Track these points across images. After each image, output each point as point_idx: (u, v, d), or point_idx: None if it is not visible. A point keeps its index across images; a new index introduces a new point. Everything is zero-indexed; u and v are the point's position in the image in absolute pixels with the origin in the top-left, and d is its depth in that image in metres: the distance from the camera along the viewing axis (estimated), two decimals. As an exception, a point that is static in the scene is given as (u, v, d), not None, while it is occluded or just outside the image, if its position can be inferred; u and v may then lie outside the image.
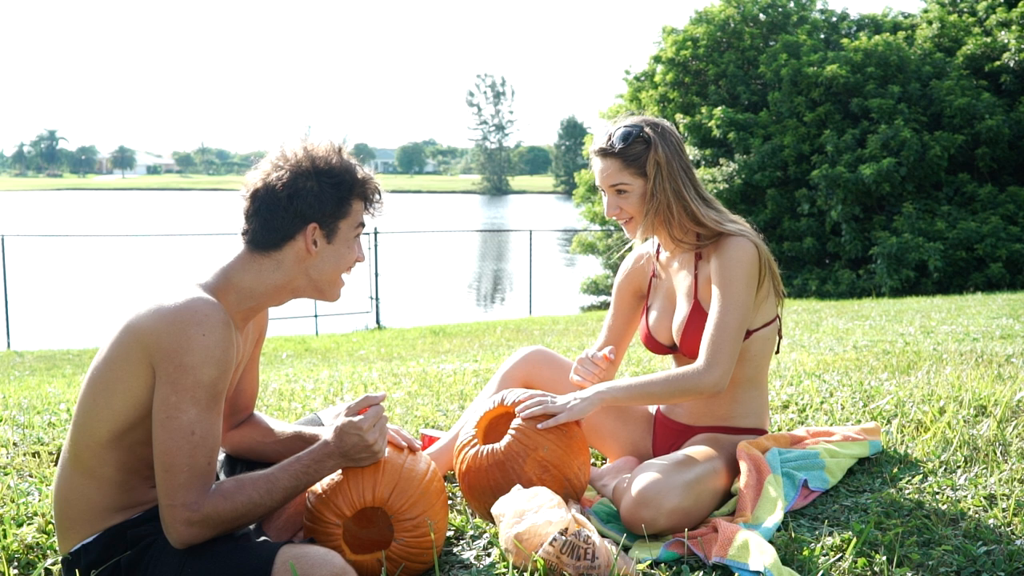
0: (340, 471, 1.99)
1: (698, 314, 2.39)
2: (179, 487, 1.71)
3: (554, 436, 2.23)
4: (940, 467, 2.43)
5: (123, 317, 1.82)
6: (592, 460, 2.83)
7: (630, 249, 2.66)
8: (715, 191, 17.38)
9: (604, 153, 2.38)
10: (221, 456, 2.20)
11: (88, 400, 1.81)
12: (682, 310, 2.43)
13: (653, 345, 2.55)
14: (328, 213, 1.89)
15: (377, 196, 1.99)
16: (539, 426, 2.22)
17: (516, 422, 2.25)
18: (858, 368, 4.11)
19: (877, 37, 18.06)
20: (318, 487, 1.99)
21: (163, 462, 1.71)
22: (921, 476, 2.35)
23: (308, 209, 1.86)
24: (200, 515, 1.71)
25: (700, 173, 18.00)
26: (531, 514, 1.93)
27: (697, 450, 2.30)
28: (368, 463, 1.93)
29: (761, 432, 2.48)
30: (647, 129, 2.36)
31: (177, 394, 1.70)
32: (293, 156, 1.87)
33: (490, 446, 2.23)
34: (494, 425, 2.41)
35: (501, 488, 2.15)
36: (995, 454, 2.47)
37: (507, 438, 2.22)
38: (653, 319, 2.55)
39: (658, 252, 2.58)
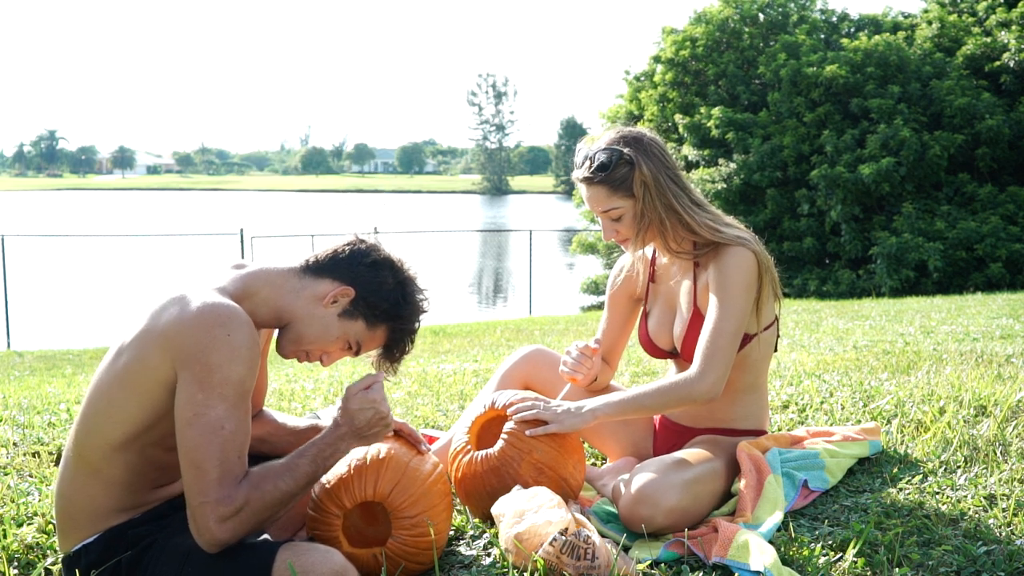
0: (347, 465, 1.99)
1: (698, 321, 2.38)
2: (211, 483, 1.68)
3: (547, 437, 2.22)
4: (940, 467, 2.42)
5: (139, 319, 1.82)
6: (592, 460, 2.83)
7: (622, 251, 2.63)
8: (714, 191, 17.38)
9: (589, 181, 2.33)
10: None
11: (101, 401, 1.80)
12: (683, 317, 2.42)
13: (652, 349, 2.54)
14: (368, 301, 1.93)
15: (396, 352, 2.02)
16: (528, 432, 2.20)
17: (509, 425, 2.24)
18: (858, 368, 4.11)
19: (877, 37, 18.05)
20: (325, 479, 2.00)
21: (192, 459, 1.68)
22: (921, 476, 2.35)
23: (364, 283, 1.93)
24: (233, 508, 1.68)
25: (699, 173, 17.98)
26: (531, 514, 1.93)
27: (696, 450, 2.30)
28: (382, 436, 1.92)
29: (761, 434, 2.48)
30: (627, 150, 2.29)
31: (204, 392, 1.69)
32: (402, 261, 1.99)
33: (484, 451, 2.23)
34: (487, 428, 2.40)
35: (498, 492, 2.14)
36: (995, 454, 2.47)
37: (500, 443, 2.22)
38: (653, 324, 2.54)
39: (655, 255, 2.57)
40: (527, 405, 2.26)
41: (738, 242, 2.30)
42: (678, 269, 2.46)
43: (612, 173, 2.29)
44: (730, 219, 2.40)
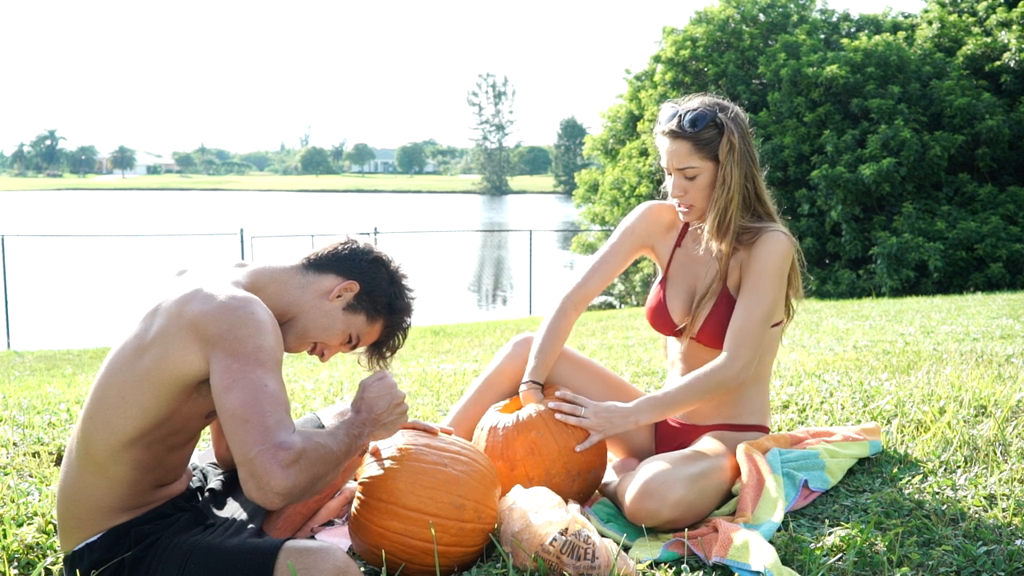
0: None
1: (725, 302, 2.37)
2: (267, 431, 1.63)
3: (565, 431, 2.28)
4: (940, 467, 2.42)
5: (153, 313, 1.81)
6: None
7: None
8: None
9: (674, 135, 2.34)
10: (218, 478, 2.19)
11: (112, 397, 1.79)
12: (710, 295, 2.40)
13: (662, 321, 2.50)
14: (371, 296, 2.01)
15: (386, 348, 2.10)
16: (578, 448, 2.26)
17: (535, 407, 2.32)
18: (858, 368, 4.11)
19: (877, 37, 18.05)
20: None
21: (239, 417, 1.65)
22: (921, 476, 2.35)
23: (367, 278, 2.01)
24: (294, 453, 1.63)
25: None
26: (531, 514, 1.93)
27: (703, 446, 2.31)
28: (400, 425, 1.95)
29: (764, 429, 2.48)
30: (720, 115, 2.32)
31: (240, 361, 1.69)
32: (393, 260, 2.08)
33: (503, 417, 2.33)
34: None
35: (495, 450, 2.27)
36: (995, 454, 2.47)
37: (515, 416, 2.31)
38: (671, 295, 2.49)
39: (684, 230, 2.53)
40: (571, 408, 2.31)
41: (778, 228, 2.34)
42: (707, 244, 2.42)
43: (700, 132, 2.31)
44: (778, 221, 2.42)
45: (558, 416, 2.28)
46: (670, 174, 2.39)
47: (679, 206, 2.41)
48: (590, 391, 2.52)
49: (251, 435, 1.63)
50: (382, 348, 2.10)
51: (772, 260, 2.30)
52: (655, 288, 2.55)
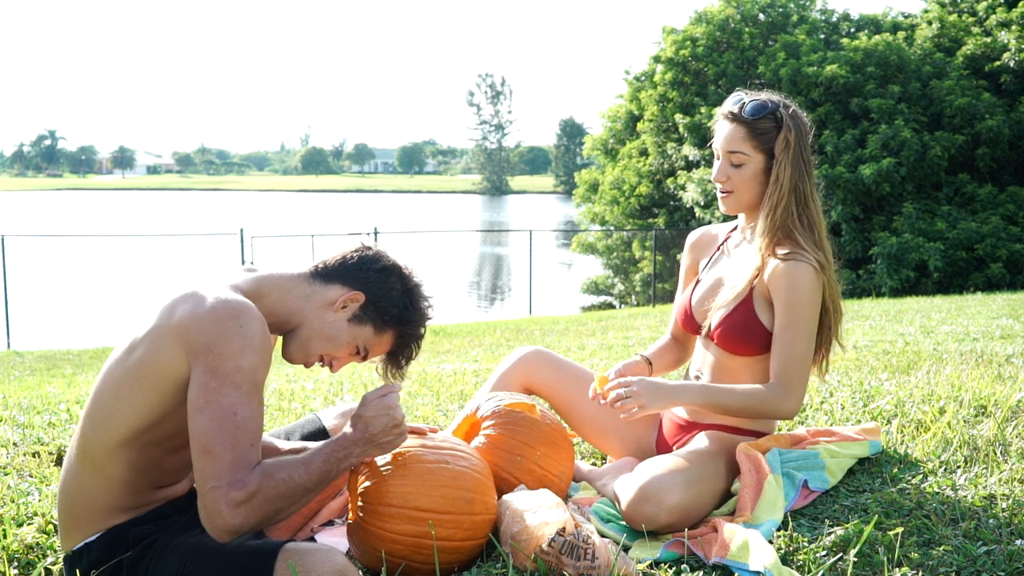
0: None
1: (746, 309, 2.34)
2: (224, 467, 1.65)
3: (533, 435, 2.28)
4: (940, 467, 2.42)
5: (149, 316, 1.82)
6: (592, 460, 2.83)
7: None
8: (716, 191, 17.35)
9: (733, 117, 2.33)
10: None
11: (108, 396, 1.80)
12: (734, 295, 2.36)
13: (688, 321, 2.51)
14: (378, 306, 1.95)
15: (401, 358, 2.03)
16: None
17: (487, 430, 2.30)
18: (858, 368, 4.11)
19: (877, 37, 18.06)
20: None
21: (203, 445, 1.66)
22: (921, 476, 2.35)
23: (374, 288, 1.94)
24: (246, 493, 1.65)
25: (700, 173, 17.97)
26: (530, 514, 1.93)
27: (700, 448, 2.31)
28: (397, 444, 1.92)
29: (762, 435, 2.48)
30: (781, 110, 2.31)
31: (217, 380, 1.68)
32: (409, 268, 2.01)
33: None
34: (470, 435, 2.44)
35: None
36: (995, 454, 2.47)
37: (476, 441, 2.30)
38: (699, 295, 2.50)
39: (728, 237, 2.57)
40: (627, 392, 2.25)
41: (807, 260, 2.29)
42: (744, 250, 2.44)
43: (758, 121, 2.31)
44: (825, 241, 2.38)
45: (607, 401, 2.26)
46: (718, 158, 2.39)
47: (719, 191, 2.42)
48: (584, 399, 2.57)
49: (209, 468, 1.65)
50: (397, 358, 2.04)
51: (804, 292, 2.28)
52: (688, 291, 2.57)
